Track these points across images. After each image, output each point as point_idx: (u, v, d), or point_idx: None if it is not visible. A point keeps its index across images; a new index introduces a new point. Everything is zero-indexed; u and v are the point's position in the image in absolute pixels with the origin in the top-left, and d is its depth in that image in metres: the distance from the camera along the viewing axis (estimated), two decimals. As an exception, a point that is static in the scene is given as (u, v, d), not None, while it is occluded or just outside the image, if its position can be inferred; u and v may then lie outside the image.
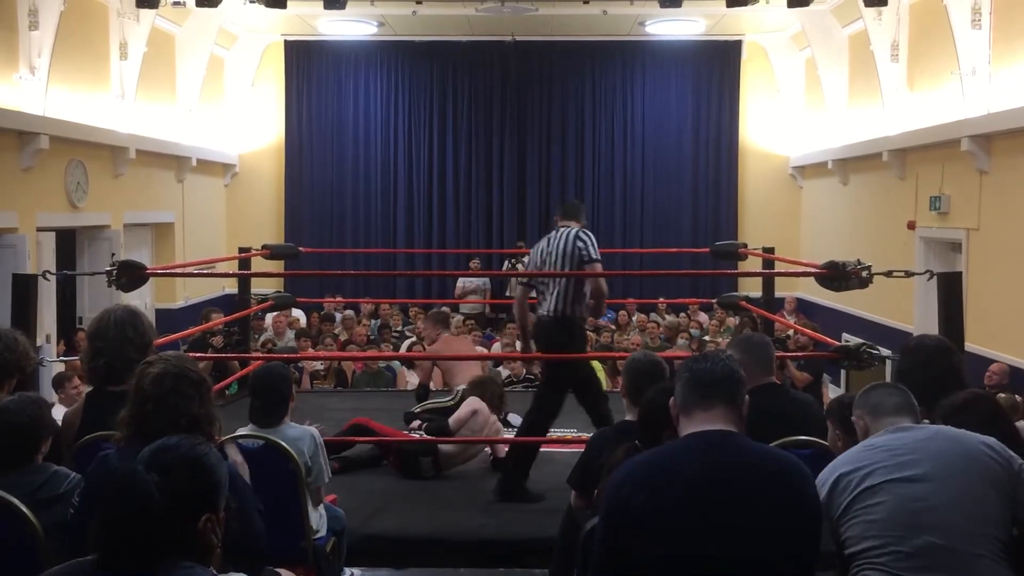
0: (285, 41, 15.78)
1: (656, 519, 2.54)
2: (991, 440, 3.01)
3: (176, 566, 2.17)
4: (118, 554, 2.15)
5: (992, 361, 8.41)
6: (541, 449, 7.18)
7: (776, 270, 9.06)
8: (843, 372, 11.15)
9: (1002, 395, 7.11)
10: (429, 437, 6.88)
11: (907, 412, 3.16)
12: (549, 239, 6.49)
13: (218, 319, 9.44)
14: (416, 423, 7.23)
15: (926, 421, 3.54)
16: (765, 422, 3.54)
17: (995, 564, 2.77)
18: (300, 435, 4.42)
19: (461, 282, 14.64)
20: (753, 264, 9.61)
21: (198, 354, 7.47)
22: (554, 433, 7.63)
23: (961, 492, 2.81)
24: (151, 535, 2.15)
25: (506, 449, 6.81)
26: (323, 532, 4.54)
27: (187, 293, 13.58)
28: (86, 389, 4.34)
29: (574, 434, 7.49)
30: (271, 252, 9.04)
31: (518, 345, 11.80)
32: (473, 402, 6.90)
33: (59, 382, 7.79)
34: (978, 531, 2.77)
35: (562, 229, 6.45)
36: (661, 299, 13.94)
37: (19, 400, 3.45)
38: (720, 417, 2.66)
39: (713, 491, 2.55)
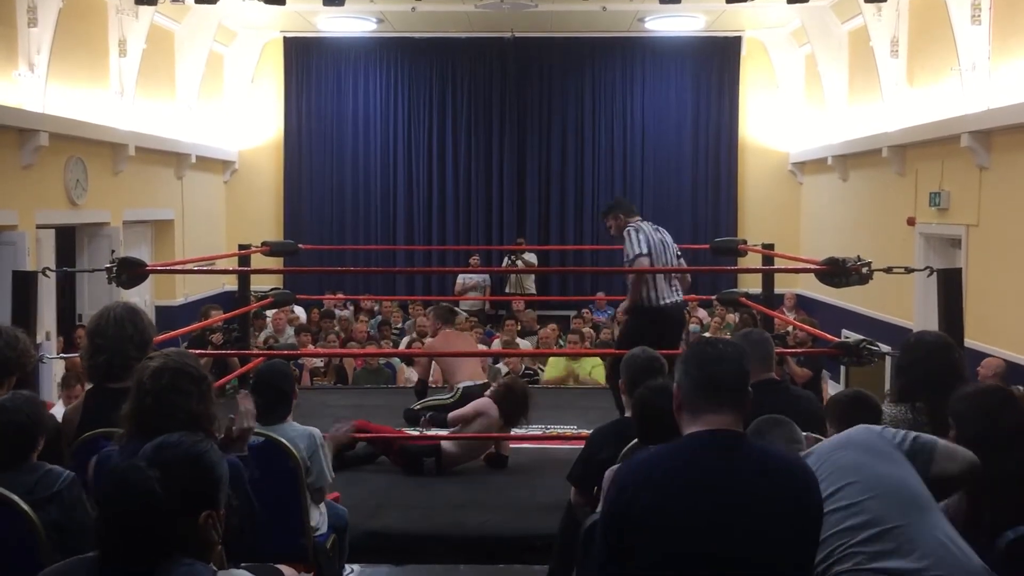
0: (284, 38, 15.77)
1: (660, 518, 2.53)
2: (871, 427, 3.11)
3: (177, 563, 2.17)
4: (119, 550, 2.15)
5: (992, 357, 8.39)
6: (540, 446, 7.22)
7: (776, 266, 9.07)
8: (843, 368, 11.14)
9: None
10: (431, 434, 6.87)
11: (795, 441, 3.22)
12: (652, 232, 6.91)
13: (217, 316, 9.44)
14: (422, 428, 7.12)
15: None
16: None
17: (936, 522, 2.80)
18: (300, 434, 4.42)
19: (461, 279, 14.66)
20: (753, 260, 9.60)
21: (198, 351, 7.47)
22: (554, 429, 7.67)
23: (877, 481, 2.84)
24: (152, 532, 2.15)
25: (511, 446, 6.80)
26: (323, 529, 4.55)
27: (187, 290, 13.58)
28: (86, 387, 4.34)
29: (573, 430, 7.51)
30: (271, 249, 9.04)
31: (518, 342, 11.87)
32: (483, 404, 6.73)
33: (65, 383, 7.81)
34: (908, 502, 2.80)
35: (645, 224, 6.98)
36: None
37: (15, 398, 3.45)
38: (726, 416, 2.64)
39: (718, 491, 2.55)
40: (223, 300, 13.15)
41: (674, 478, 2.59)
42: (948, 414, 3.41)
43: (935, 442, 3.06)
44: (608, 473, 3.46)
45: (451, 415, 6.85)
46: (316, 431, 4.53)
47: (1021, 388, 6.61)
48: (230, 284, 13.36)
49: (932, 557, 2.69)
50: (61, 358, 7.93)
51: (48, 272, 6.52)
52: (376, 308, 13.97)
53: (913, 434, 3.07)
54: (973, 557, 2.80)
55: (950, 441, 3.35)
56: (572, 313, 14.13)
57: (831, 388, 10.89)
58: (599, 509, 3.59)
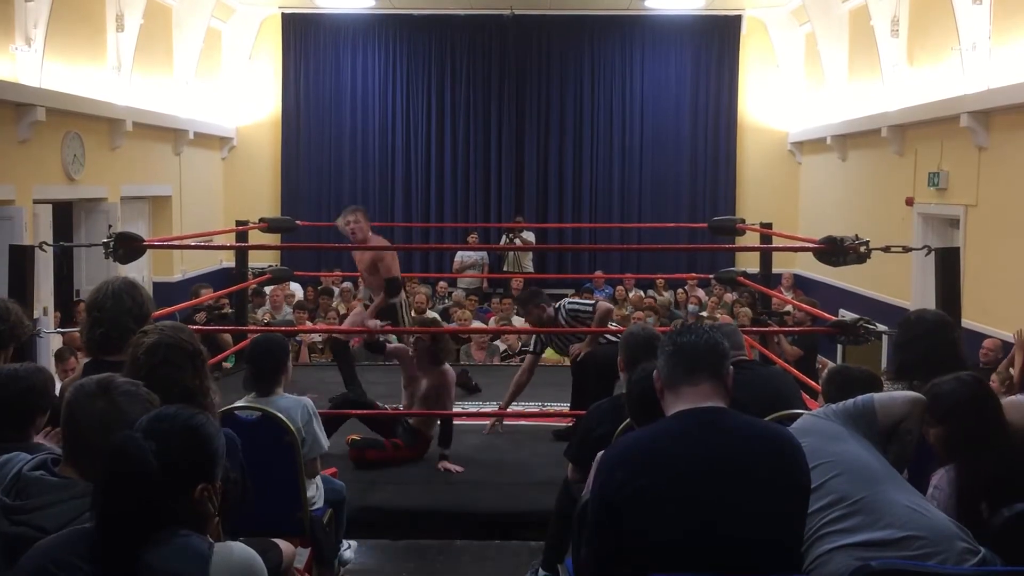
0: (282, 14, 15.70)
1: (652, 500, 2.52)
2: (813, 413, 3.16)
3: (174, 534, 2.17)
4: (114, 521, 2.15)
5: (989, 337, 8.42)
6: (536, 423, 7.23)
7: (774, 245, 9.06)
8: (839, 348, 11.16)
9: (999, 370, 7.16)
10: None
11: None
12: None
13: (207, 295, 9.46)
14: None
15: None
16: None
17: (898, 490, 2.82)
18: (292, 405, 4.43)
19: (459, 256, 14.65)
20: (751, 239, 9.61)
21: (195, 326, 7.46)
22: (551, 407, 7.69)
23: (836, 460, 2.84)
24: (146, 502, 2.15)
25: (507, 422, 6.77)
26: (320, 504, 4.56)
27: (184, 266, 13.58)
28: (83, 361, 4.33)
29: (570, 408, 7.52)
30: (268, 225, 9.02)
31: (514, 320, 11.86)
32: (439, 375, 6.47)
33: (59, 357, 7.80)
34: (867, 476, 2.82)
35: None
36: (659, 275, 13.94)
37: (28, 367, 3.40)
38: (708, 392, 2.64)
39: (709, 470, 2.53)
40: (220, 276, 13.16)
41: (661, 458, 2.57)
42: (928, 411, 3.35)
43: (871, 398, 3.08)
44: (598, 456, 3.46)
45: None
46: (308, 401, 4.54)
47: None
48: (227, 260, 13.34)
49: (900, 523, 2.71)
50: (58, 333, 7.92)
51: (45, 247, 6.51)
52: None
53: (850, 400, 3.09)
54: (941, 517, 2.81)
55: (938, 440, 3.32)
56: (570, 291, 14.13)
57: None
58: (586, 491, 3.59)
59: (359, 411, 6.61)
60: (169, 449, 2.21)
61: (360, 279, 8.14)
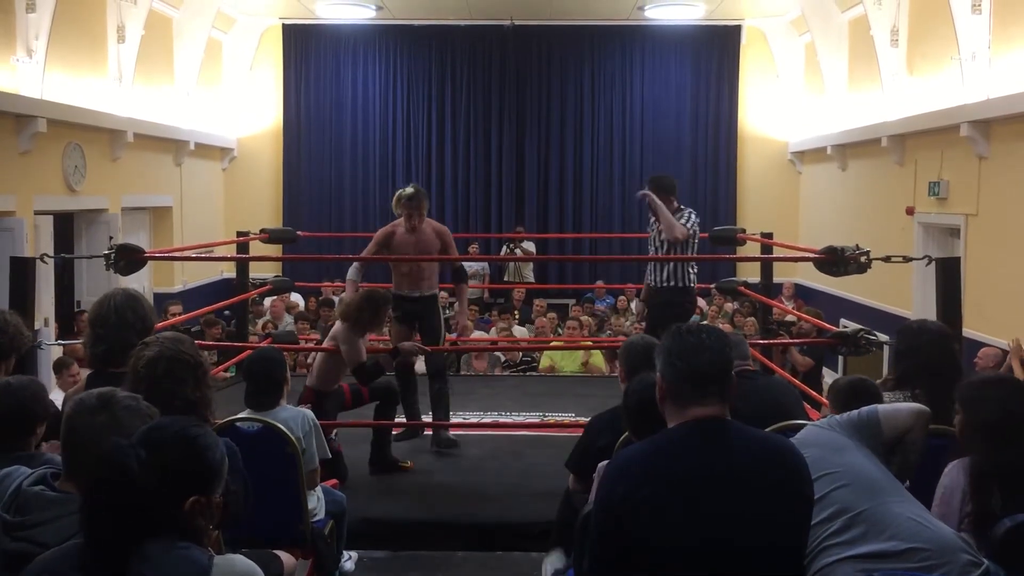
0: (283, 24, 15.72)
1: (654, 510, 2.52)
2: (817, 424, 3.16)
3: (173, 544, 2.16)
4: (97, 528, 2.14)
5: (988, 346, 8.40)
6: (538, 433, 7.22)
7: (775, 255, 9.07)
8: (840, 358, 11.15)
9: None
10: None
11: None
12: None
13: (176, 310, 9.58)
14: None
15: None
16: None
17: (901, 501, 2.81)
18: (293, 416, 4.43)
19: (460, 266, 14.63)
20: (752, 249, 9.60)
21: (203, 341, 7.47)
22: (551, 417, 7.69)
23: (839, 472, 2.84)
24: (131, 509, 2.14)
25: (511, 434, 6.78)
26: (321, 515, 4.55)
27: (185, 277, 13.58)
28: (85, 373, 4.33)
29: (571, 418, 7.52)
30: (269, 236, 9.04)
31: (515, 330, 11.86)
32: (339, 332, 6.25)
33: (59, 367, 7.79)
34: (869, 487, 2.81)
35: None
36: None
37: (20, 379, 3.41)
38: (713, 408, 2.63)
39: (711, 479, 2.53)
40: (221, 287, 13.16)
41: (662, 469, 2.57)
42: (956, 400, 3.40)
43: (875, 409, 3.08)
44: (600, 467, 3.44)
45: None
46: (309, 412, 4.54)
47: None
48: (228, 271, 13.36)
49: (904, 535, 2.70)
50: (59, 344, 7.92)
51: (46, 258, 6.53)
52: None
53: (854, 411, 3.08)
54: (945, 529, 2.81)
55: (961, 428, 3.35)
56: (571, 301, 14.15)
57: (828, 378, 10.89)
58: (590, 500, 3.58)
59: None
60: (161, 458, 2.20)
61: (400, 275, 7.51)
